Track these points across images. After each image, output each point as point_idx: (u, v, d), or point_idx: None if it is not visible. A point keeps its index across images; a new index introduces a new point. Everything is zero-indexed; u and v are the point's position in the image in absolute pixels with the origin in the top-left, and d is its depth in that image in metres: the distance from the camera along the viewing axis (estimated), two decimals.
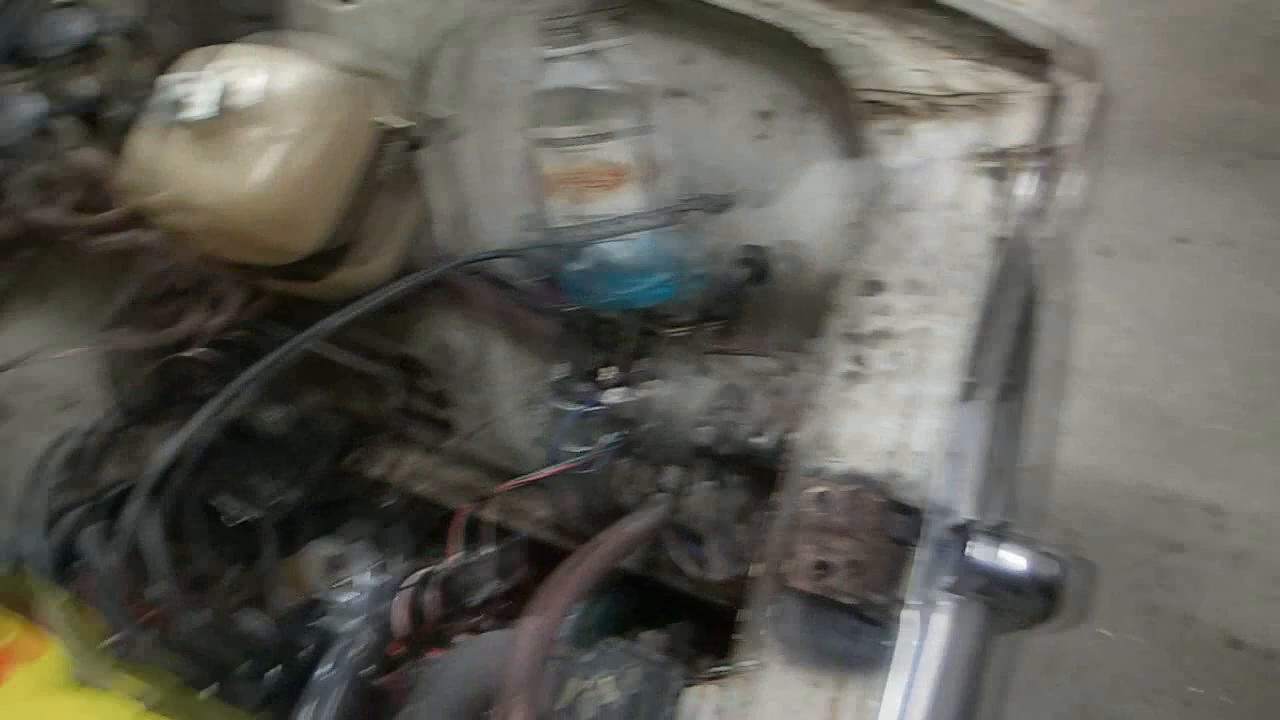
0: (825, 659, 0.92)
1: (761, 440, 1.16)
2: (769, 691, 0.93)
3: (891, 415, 1.01)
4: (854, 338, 1.06)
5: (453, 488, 1.71)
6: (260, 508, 1.52)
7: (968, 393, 1.02)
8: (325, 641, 1.17)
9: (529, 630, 0.98)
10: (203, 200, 1.26)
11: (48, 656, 1.24)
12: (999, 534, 0.98)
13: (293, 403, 1.62)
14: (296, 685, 1.18)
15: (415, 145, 1.39)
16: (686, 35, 1.32)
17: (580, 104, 1.21)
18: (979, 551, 0.97)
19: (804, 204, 1.28)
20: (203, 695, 1.16)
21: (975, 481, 1.08)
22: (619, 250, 1.28)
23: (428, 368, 1.68)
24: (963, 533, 0.98)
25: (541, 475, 1.44)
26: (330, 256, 1.39)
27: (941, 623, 0.95)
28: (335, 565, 1.34)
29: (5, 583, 1.28)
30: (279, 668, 1.20)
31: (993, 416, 1.11)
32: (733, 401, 1.21)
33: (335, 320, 1.35)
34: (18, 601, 1.26)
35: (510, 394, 1.65)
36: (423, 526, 1.56)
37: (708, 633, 1.19)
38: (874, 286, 1.08)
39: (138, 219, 1.36)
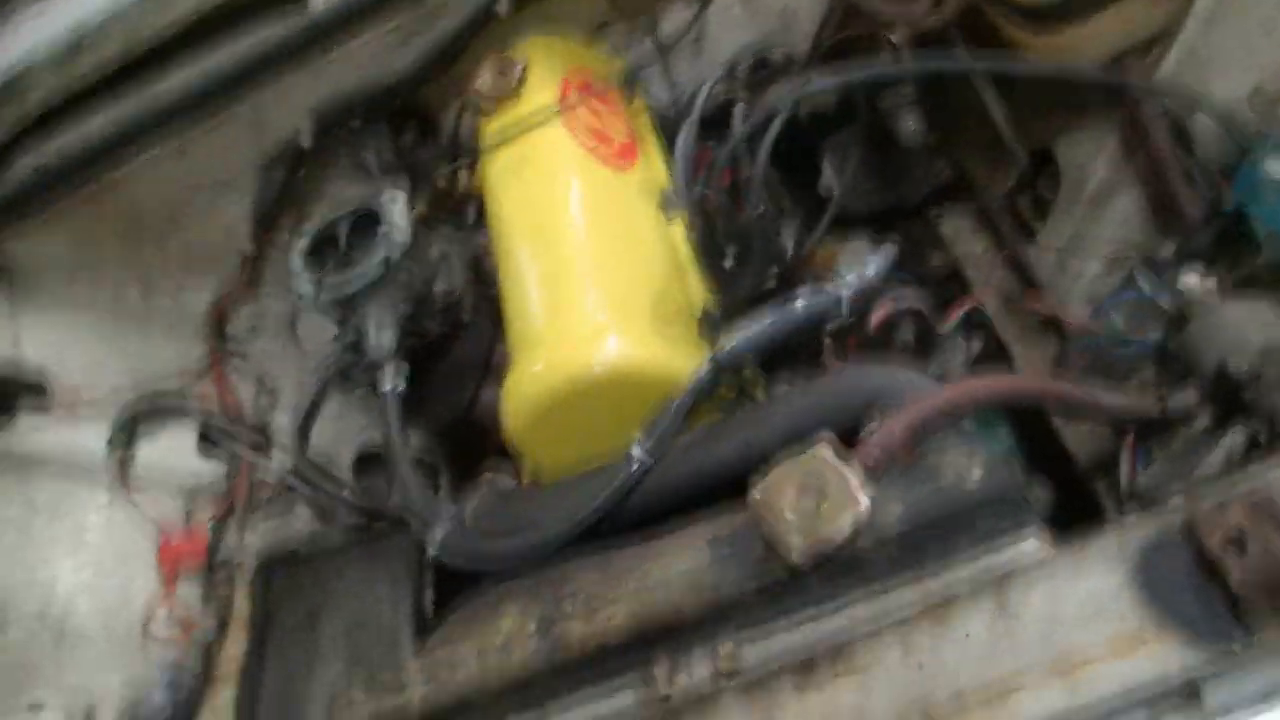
0: (1164, 603, 0.90)
1: None
2: (1095, 583, 0.94)
3: None
4: None
5: (985, 270, 1.74)
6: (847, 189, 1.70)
7: None
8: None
9: (965, 385, 1.07)
10: None
11: (656, 170, 1.60)
12: None
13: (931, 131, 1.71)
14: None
15: None
16: None
17: None
18: None
19: None
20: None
21: None
22: None
23: (1045, 168, 1.66)
24: None
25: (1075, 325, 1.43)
26: (1055, 12, 1.40)
27: None
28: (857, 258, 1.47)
29: None
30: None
31: None
32: None
33: (1022, 66, 1.40)
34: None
35: (1100, 236, 1.60)
36: (932, 285, 1.64)
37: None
38: None
39: None
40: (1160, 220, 1.49)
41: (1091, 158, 1.60)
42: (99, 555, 1.63)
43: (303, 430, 1.65)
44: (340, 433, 1.87)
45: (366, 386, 1.49)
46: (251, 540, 1.79)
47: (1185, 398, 1.18)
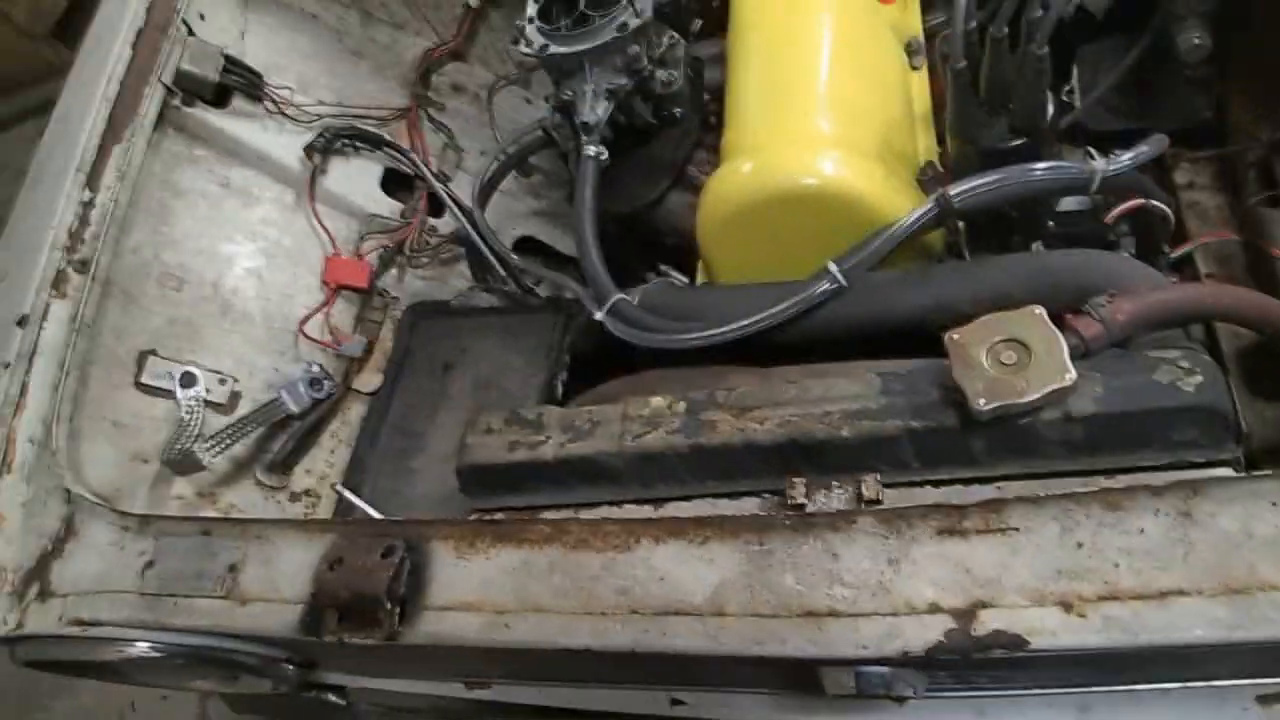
0: None
1: None
2: None
3: None
4: None
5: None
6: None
7: None
8: None
9: (1204, 288, 0.99)
10: None
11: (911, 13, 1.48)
12: None
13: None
14: None
15: None
16: None
17: None
18: None
19: None
20: None
21: None
22: None
23: None
24: None
25: None
26: None
27: None
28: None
29: None
30: None
31: None
32: None
33: None
34: None
35: None
36: None
37: None
38: None
39: None
40: None
41: None
42: (274, 248, 1.70)
43: (485, 189, 1.67)
44: (509, 210, 1.89)
45: (566, 148, 1.47)
46: (410, 281, 1.84)
47: None
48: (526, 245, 1.94)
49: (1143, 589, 0.90)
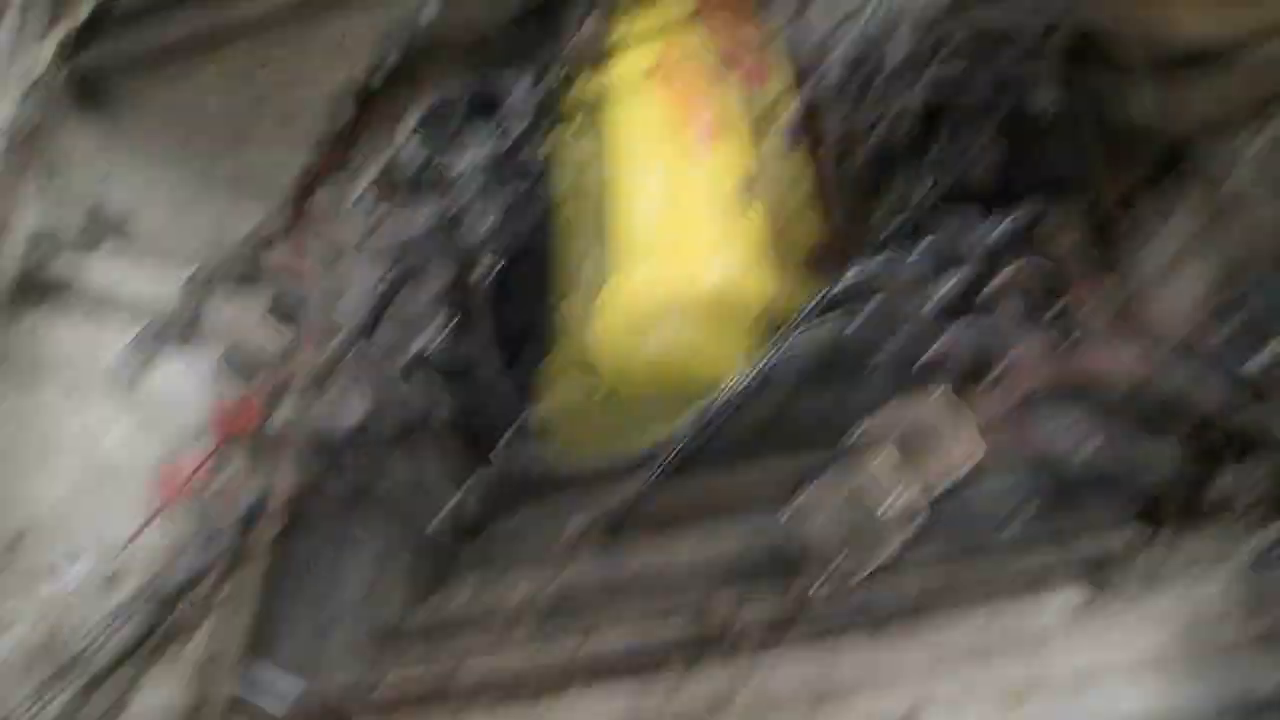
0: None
1: None
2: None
3: None
4: None
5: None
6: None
7: None
8: None
9: (1089, 359, 1.02)
10: None
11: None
12: None
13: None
14: None
15: None
16: None
17: None
18: None
19: None
20: None
21: None
22: None
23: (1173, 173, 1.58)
24: None
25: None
26: None
27: None
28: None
29: None
30: None
31: None
32: None
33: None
34: None
35: (1211, 261, 1.51)
36: None
37: None
38: None
39: None
40: None
41: (1229, 168, 1.52)
42: (152, 404, 1.61)
43: (374, 312, 1.62)
44: (407, 325, 1.84)
45: (450, 275, 1.45)
46: (304, 420, 1.76)
47: None
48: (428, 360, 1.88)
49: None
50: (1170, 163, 1.60)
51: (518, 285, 1.55)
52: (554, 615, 1.09)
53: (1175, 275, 1.58)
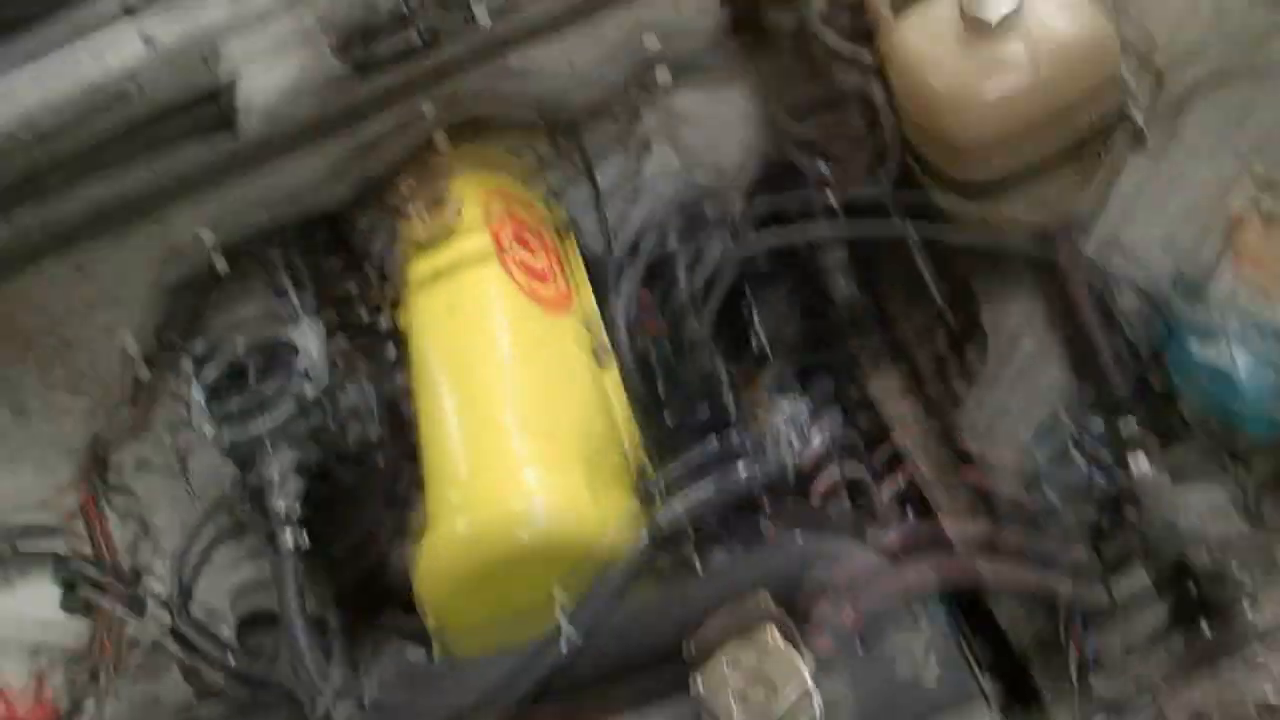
0: None
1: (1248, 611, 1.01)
2: None
3: None
4: None
5: (916, 435, 1.72)
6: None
7: None
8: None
9: (919, 569, 1.02)
10: (934, 82, 1.35)
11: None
12: None
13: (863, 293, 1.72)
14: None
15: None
16: None
17: None
18: None
19: None
20: None
21: None
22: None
23: (968, 332, 1.68)
24: None
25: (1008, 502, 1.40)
26: (987, 187, 1.44)
27: None
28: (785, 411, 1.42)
29: None
30: None
31: None
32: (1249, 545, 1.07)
33: (947, 233, 1.42)
34: None
35: (1029, 406, 1.60)
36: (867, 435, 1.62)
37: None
38: None
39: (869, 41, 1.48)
40: (1090, 394, 1.50)
41: (1021, 328, 1.61)
42: None
43: (185, 585, 1.48)
44: (228, 587, 1.69)
45: (264, 539, 1.35)
46: (117, 708, 1.56)
47: (1132, 583, 1.15)
48: (258, 620, 1.73)
49: None
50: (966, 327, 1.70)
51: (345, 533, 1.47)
52: None
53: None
